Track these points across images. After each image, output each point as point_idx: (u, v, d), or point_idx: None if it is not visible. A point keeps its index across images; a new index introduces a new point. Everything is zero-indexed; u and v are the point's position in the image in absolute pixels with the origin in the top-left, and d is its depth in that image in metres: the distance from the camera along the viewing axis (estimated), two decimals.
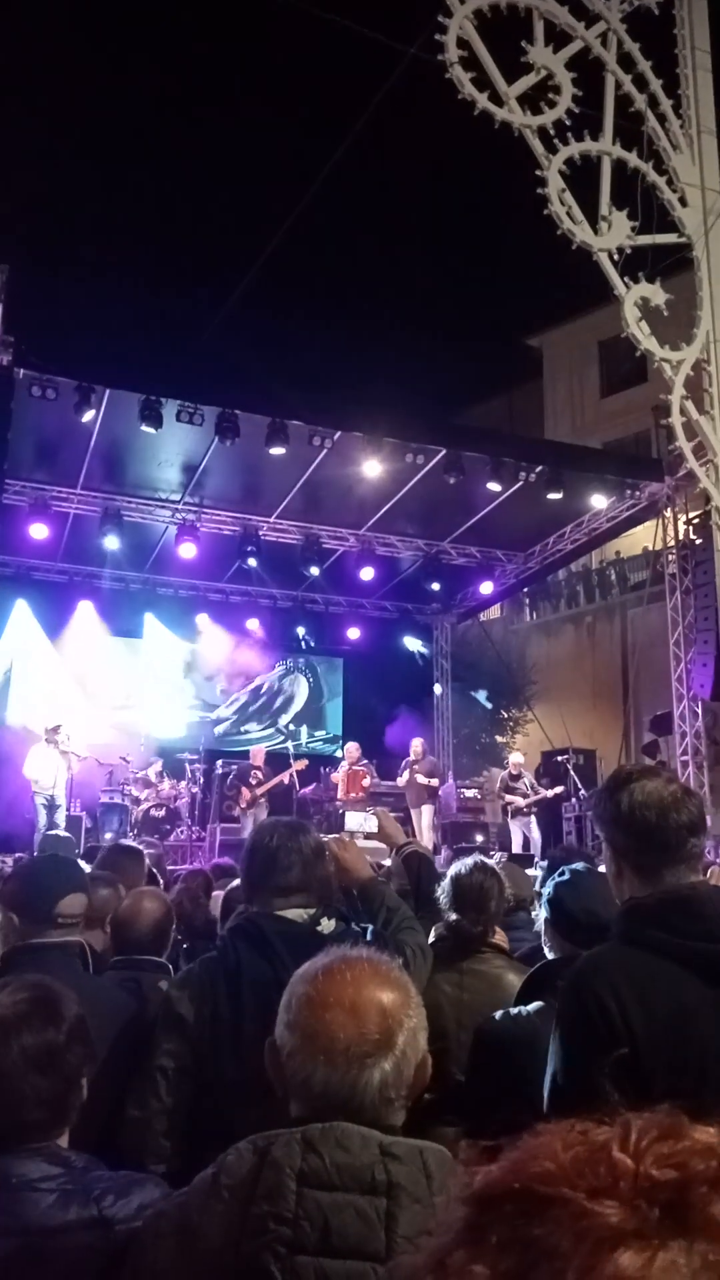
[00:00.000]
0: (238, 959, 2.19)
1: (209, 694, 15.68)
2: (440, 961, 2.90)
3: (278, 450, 10.23)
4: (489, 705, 19.32)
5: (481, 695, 18.87)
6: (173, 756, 13.30)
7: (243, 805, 11.98)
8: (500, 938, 3.26)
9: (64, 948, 2.56)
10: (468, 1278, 0.48)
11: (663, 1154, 0.50)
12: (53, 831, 10.47)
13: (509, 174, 9.92)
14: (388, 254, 39.71)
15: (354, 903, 2.63)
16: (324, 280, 38.60)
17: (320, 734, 16.24)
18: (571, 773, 12.87)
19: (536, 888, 3.63)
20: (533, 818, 12.23)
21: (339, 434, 10.47)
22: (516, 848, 11.71)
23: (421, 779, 12.41)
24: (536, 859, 10.05)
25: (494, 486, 11.42)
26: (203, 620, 14.89)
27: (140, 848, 4.74)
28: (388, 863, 4.46)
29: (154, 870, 4.91)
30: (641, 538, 16.79)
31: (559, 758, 13.74)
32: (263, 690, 16.07)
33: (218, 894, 4.57)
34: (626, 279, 9.84)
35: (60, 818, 11.04)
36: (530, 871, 5.43)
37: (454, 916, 3.08)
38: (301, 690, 16.39)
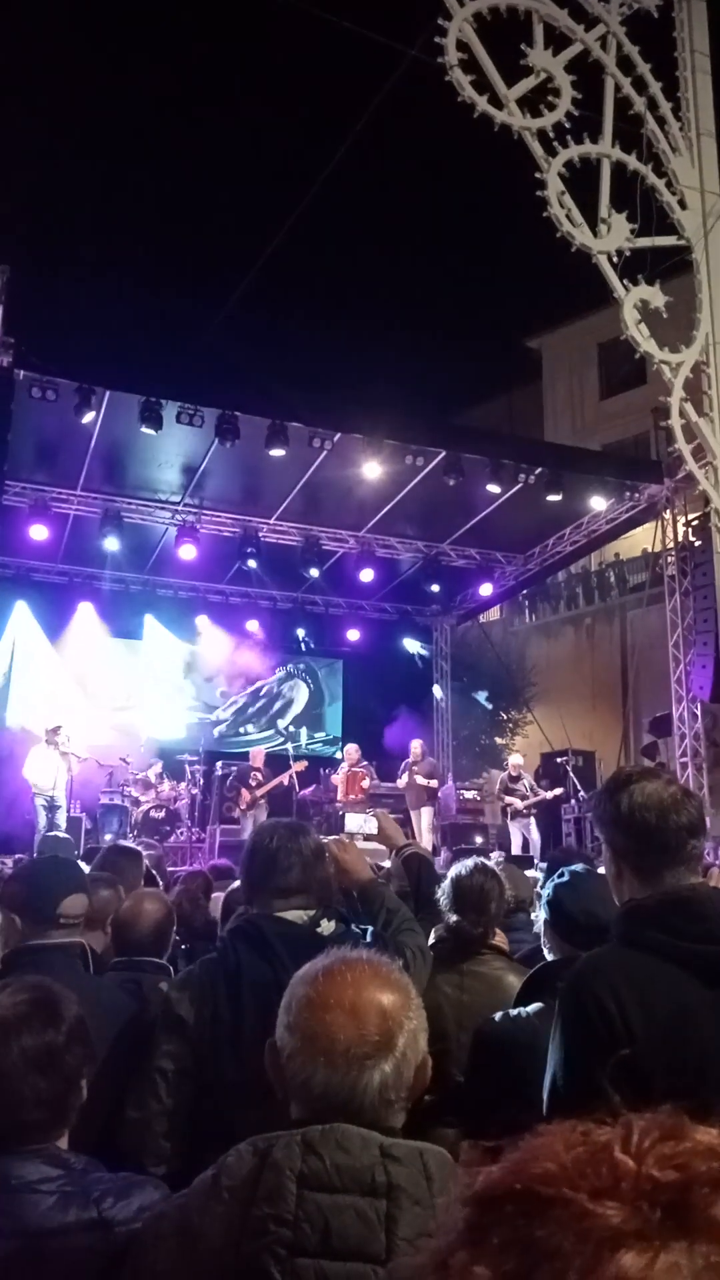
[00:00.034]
0: (238, 960, 2.18)
1: (209, 695, 15.68)
2: (440, 963, 2.90)
3: (278, 452, 10.24)
4: (489, 707, 19.31)
5: (481, 697, 18.86)
6: (172, 758, 13.30)
7: (242, 807, 11.98)
8: (500, 939, 3.26)
9: (65, 949, 2.56)
10: (469, 1279, 0.48)
11: (664, 1155, 0.50)
12: (52, 833, 10.45)
13: (509, 176, 9.95)
14: (387, 255, 39.73)
15: (354, 904, 2.63)
16: (324, 281, 38.61)
17: (320, 735, 16.23)
18: (571, 774, 12.86)
19: (536, 889, 3.63)
20: (532, 819, 12.23)
21: (339, 435, 10.47)
22: (516, 849, 11.69)
23: (421, 780, 12.41)
24: (536, 860, 10.07)
25: (494, 488, 11.42)
26: (202, 622, 14.89)
27: (138, 849, 4.73)
28: (387, 864, 4.45)
29: (153, 871, 4.91)
30: (641, 539, 16.80)
31: (558, 759, 13.72)
32: (262, 693, 16.07)
33: (217, 895, 4.57)
34: (626, 281, 9.86)
35: (60, 819, 11.03)
36: (530, 873, 5.44)
37: (454, 918, 3.08)
38: (301, 695, 16.38)
